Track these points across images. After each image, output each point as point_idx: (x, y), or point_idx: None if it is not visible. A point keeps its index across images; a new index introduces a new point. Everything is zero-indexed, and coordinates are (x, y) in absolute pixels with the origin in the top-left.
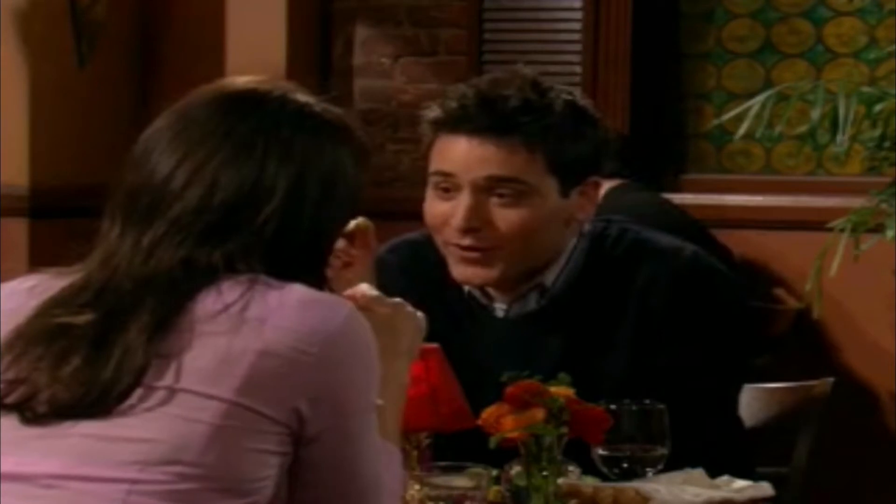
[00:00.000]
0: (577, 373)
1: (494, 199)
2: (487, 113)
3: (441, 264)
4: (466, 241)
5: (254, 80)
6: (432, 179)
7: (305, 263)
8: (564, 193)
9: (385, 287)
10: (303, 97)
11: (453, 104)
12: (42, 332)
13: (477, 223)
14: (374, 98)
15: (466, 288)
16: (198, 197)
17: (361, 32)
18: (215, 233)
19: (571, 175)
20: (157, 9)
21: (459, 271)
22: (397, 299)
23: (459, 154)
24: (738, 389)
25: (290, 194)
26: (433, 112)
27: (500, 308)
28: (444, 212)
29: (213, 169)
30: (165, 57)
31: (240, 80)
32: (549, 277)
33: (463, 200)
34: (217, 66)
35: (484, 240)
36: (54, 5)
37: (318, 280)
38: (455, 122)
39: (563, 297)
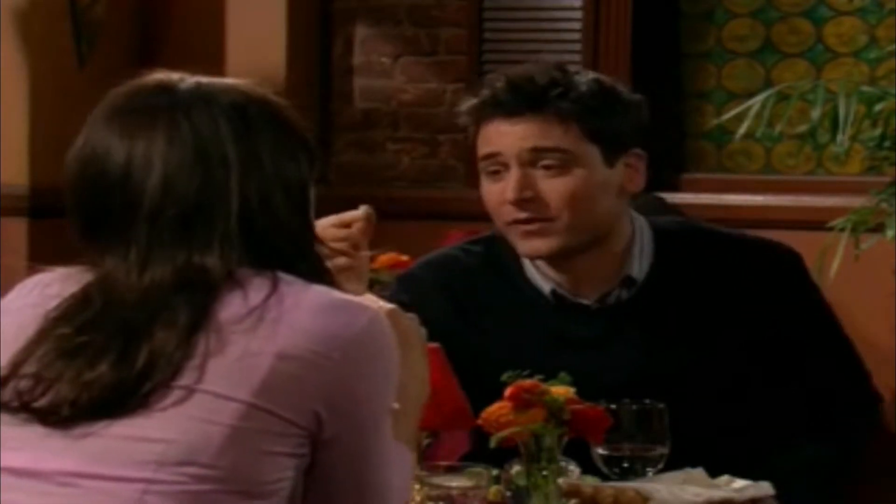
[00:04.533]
0: (668, 363)
1: (541, 172)
2: (518, 94)
3: (492, 272)
4: (523, 215)
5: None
6: (481, 166)
7: (289, 248)
8: (609, 163)
9: (417, 303)
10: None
11: (486, 92)
12: (60, 346)
13: (529, 193)
14: (374, 98)
15: (548, 288)
16: (160, 192)
17: (361, 32)
18: (194, 232)
19: (612, 145)
20: (157, 9)
21: (522, 246)
22: (391, 305)
23: (500, 135)
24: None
25: (244, 174)
26: (469, 103)
27: (584, 303)
28: (497, 191)
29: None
30: (165, 57)
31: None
32: (634, 269)
33: (512, 175)
34: (217, 66)
35: (538, 211)
36: (54, 5)
37: (314, 263)
38: (491, 109)
39: (646, 286)
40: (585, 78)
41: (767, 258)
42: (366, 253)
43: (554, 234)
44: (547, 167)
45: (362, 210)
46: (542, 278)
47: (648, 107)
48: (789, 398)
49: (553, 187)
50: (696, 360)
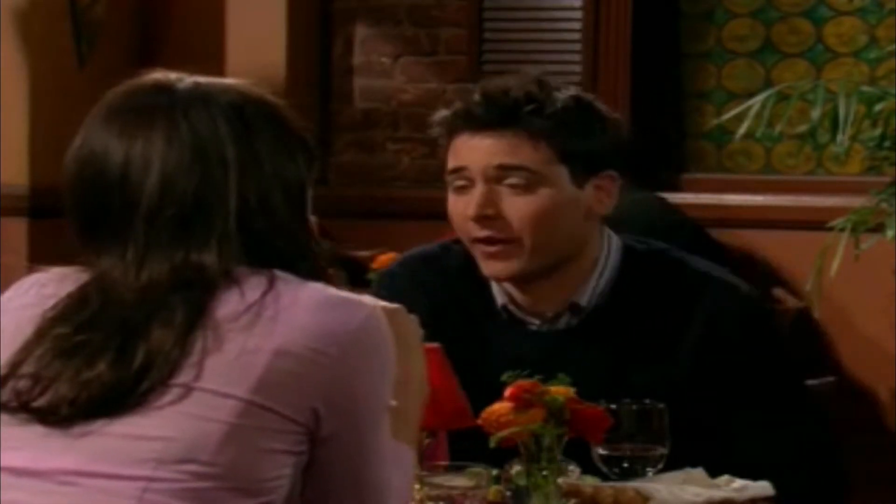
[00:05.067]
0: (612, 389)
1: (506, 189)
2: (490, 108)
3: (467, 274)
4: (484, 233)
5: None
6: (448, 180)
7: (287, 247)
8: (578, 184)
9: (395, 300)
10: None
11: (459, 104)
12: (58, 346)
13: (491, 211)
14: (374, 98)
15: (500, 301)
16: (157, 192)
17: (361, 32)
18: (192, 231)
19: (583, 166)
20: (157, 9)
21: (485, 266)
22: (395, 305)
23: (468, 149)
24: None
25: (242, 174)
26: (442, 114)
27: (533, 323)
28: (461, 206)
29: (159, 167)
30: (165, 57)
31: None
32: (584, 297)
33: (476, 191)
34: (217, 66)
35: (501, 230)
36: (54, 5)
37: (312, 263)
38: (462, 121)
39: (597, 313)
40: (564, 94)
41: (727, 301)
42: None
43: (516, 257)
44: (512, 185)
45: None
46: (498, 291)
47: (632, 130)
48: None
49: (516, 206)
50: (635, 392)
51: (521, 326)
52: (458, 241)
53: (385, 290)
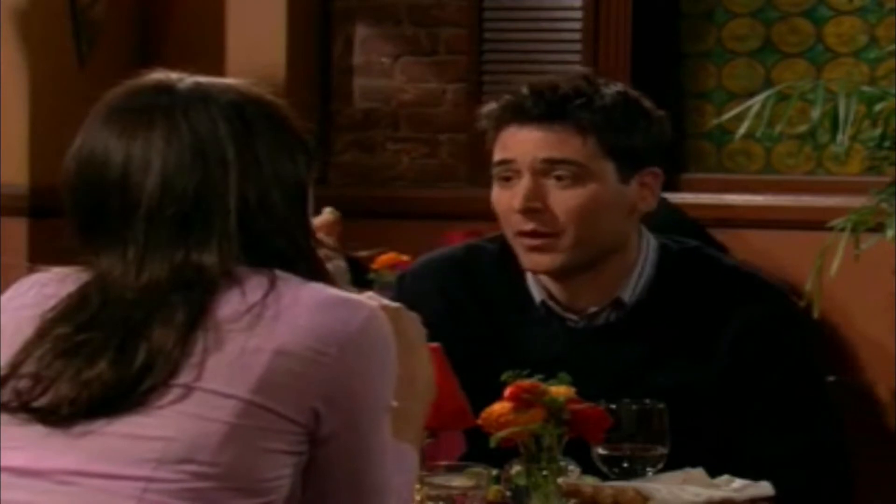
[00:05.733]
0: (647, 385)
1: (552, 182)
2: (539, 102)
3: (499, 273)
4: (529, 227)
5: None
6: (495, 171)
7: (287, 247)
8: (624, 180)
9: (414, 302)
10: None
11: (508, 97)
12: (59, 346)
13: (536, 204)
14: (374, 97)
15: (538, 297)
16: (159, 190)
17: (361, 31)
18: (192, 230)
19: (629, 162)
20: (157, 9)
21: (526, 259)
22: (397, 304)
23: (516, 141)
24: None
25: (242, 174)
26: (490, 107)
27: (572, 319)
28: (506, 198)
29: (160, 166)
30: (165, 56)
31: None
32: (626, 293)
33: (522, 184)
34: (217, 66)
35: (545, 224)
36: (54, 5)
37: (312, 262)
38: (511, 114)
39: (637, 310)
40: (611, 90)
41: (763, 300)
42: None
43: (559, 251)
44: (559, 178)
45: (328, 213)
46: (535, 287)
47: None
48: (763, 443)
49: (563, 199)
50: (669, 391)
51: (560, 322)
52: (488, 241)
53: (403, 290)
